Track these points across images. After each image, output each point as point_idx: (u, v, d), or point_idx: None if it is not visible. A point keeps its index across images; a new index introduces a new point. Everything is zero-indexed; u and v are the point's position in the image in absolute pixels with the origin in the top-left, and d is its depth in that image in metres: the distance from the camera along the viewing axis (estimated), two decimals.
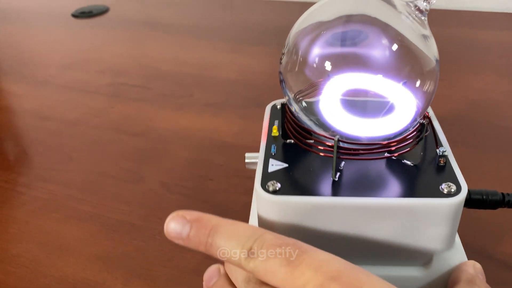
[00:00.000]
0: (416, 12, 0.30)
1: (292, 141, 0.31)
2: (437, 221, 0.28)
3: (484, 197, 0.31)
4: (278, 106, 0.36)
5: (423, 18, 0.30)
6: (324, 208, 0.27)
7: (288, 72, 0.31)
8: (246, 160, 0.35)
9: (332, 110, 0.29)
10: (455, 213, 0.27)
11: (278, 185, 0.27)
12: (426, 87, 0.29)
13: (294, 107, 0.31)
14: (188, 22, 0.90)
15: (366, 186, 0.28)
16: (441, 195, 0.27)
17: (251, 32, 0.83)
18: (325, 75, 0.29)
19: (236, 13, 0.93)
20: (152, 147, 0.52)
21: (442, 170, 0.29)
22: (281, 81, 0.31)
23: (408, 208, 0.27)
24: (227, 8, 0.96)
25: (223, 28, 0.86)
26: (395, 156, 0.30)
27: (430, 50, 0.30)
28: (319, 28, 0.30)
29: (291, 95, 0.30)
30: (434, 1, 0.29)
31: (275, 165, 0.30)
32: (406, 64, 0.29)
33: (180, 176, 0.47)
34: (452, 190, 0.27)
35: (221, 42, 0.79)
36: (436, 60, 0.30)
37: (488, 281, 0.28)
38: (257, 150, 0.32)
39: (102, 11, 0.95)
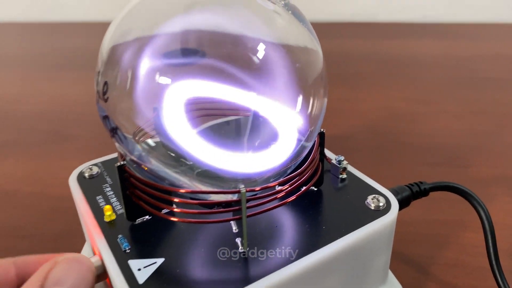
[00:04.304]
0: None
1: (146, 218, 0.21)
2: (381, 244, 0.22)
3: (407, 194, 0.25)
4: (87, 174, 0.26)
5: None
6: None
7: (116, 102, 0.20)
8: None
9: (196, 142, 0.20)
10: (393, 227, 0.22)
11: None
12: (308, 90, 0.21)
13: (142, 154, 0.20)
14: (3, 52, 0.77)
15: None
16: (375, 215, 0.21)
17: (74, 57, 0.74)
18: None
19: (62, 38, 0.83)
20: None
21: (354, 184, 0.23)
22: (105, 117, 0.20)
23: (352, 246, 0.20)
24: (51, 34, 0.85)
25: (44, 55, 0.76)
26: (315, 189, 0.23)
27: (304, 39, 0.21)
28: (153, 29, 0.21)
29: (130, 136, 0.20)
30: None
31: (145, 268, 0.19)
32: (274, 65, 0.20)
33: None
34: (381, 204, 0.22)
35: (36, 71, 0.69)
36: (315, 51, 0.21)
37: None
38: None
39: None
